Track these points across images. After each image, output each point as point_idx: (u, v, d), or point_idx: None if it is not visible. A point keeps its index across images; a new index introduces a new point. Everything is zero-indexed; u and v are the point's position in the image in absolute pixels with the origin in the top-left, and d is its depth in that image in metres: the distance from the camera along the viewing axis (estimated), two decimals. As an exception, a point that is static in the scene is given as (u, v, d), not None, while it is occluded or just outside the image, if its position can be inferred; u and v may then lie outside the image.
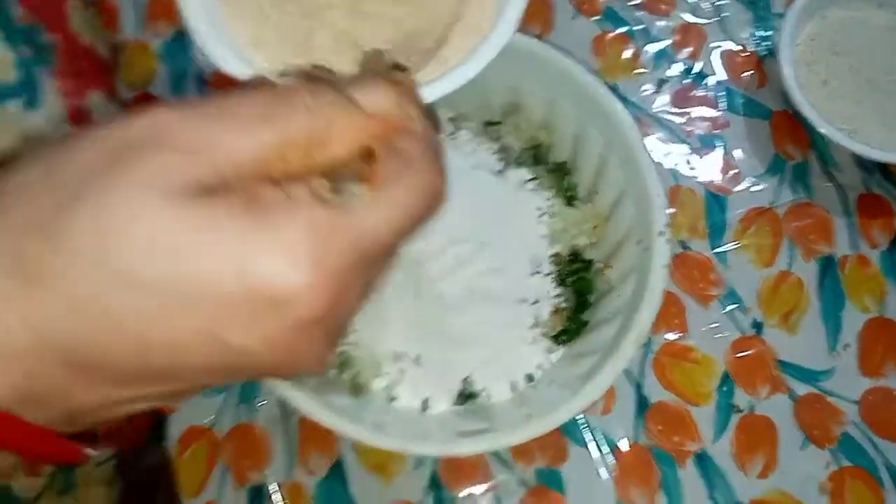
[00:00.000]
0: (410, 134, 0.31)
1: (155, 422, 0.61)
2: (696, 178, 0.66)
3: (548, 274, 0.60)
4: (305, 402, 0.51)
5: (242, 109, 0.28)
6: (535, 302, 0.59)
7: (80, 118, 0.51)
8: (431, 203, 0.31)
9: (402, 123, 0.31)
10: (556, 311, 0.59)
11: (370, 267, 0.29)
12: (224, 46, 0.37)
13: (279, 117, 0.28)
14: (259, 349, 0.27)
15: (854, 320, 0.62)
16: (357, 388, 0.56)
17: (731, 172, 0.66)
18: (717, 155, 0.67)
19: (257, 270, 0.26)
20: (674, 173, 0.66)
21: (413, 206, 0.30)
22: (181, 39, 0.71)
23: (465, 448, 0.51)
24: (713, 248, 0.64)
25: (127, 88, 0.69)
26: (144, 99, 0.69)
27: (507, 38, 0.37)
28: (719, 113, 0.68)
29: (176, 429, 0.60)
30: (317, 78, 0.31)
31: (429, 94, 0.36)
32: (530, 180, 0.62)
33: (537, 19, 0.71)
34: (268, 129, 0.27)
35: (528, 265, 0.60)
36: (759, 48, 0.70)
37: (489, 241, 0.58)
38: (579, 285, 0.60)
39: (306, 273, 0.26)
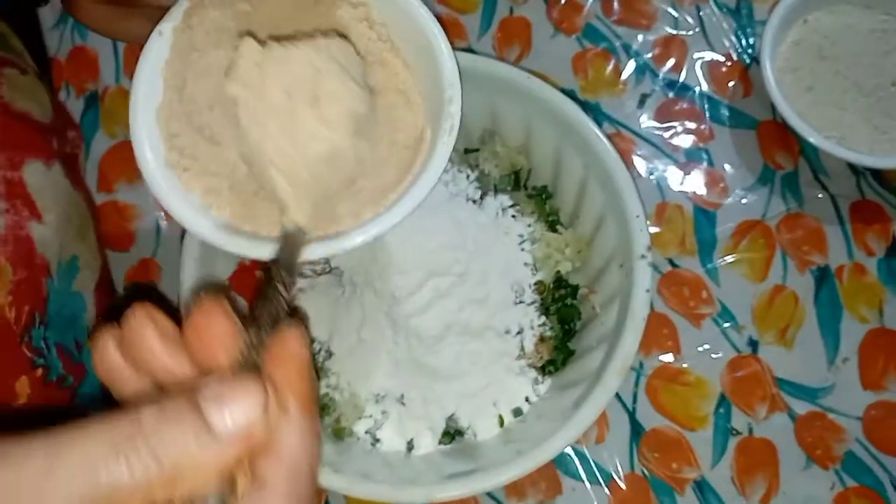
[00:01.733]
0: (274, 457, 0.28)
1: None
2: (683, 193, 0.65)
3: (531, 303, 0.59)
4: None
5: (82, 451, 0.25)
6: (520, 332, 0.58)
7: (10, 191, 0.51)
8: None
9: (266, 441, 0.28)
10: (542, 340, 0.58)
11: None
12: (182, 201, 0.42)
13: (119, 462, 0.25)
14: None
15: (853, 332, 0.60)
16: (339, 433, 0.56)
17: (719, 186, 0.65)
18: (704, 168, 0.65)
19: None
20: (660, 189, 0.65)
21: None
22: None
23: (453, 492, 0.50)
24: (703, 265, 0.63)
25: (107, 137, 0.69)
26: (124, 147, 0.69)
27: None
28: (704, 125, 0.67)
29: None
30: (173, 392, 0.28)
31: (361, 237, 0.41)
32: (510, 206, 0.61)
33: (516, 39, 0.70)
34: (104, 474, 0.25)
35: (511, 294, 0.58)
36: (742, 56, 0.68)
37: (469, 271, 0.57)
38: (564, 313, 0.58)
39: None
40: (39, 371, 0.50)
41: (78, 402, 0.54)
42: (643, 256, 0.53)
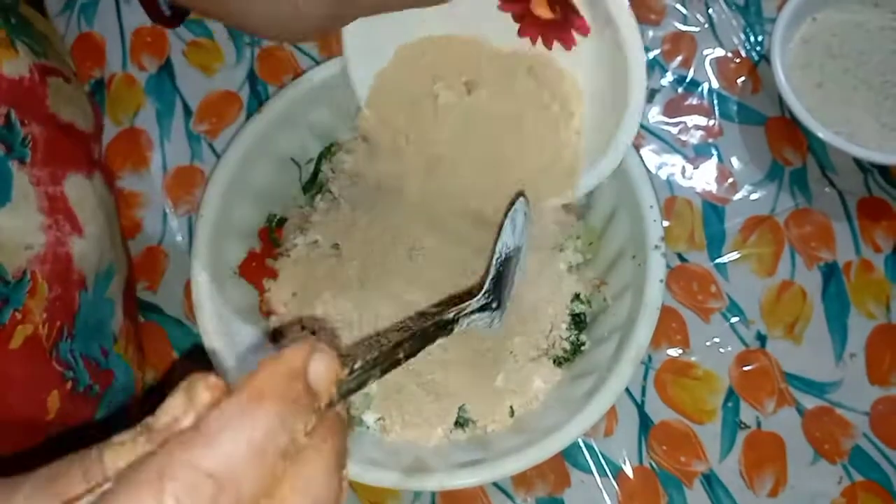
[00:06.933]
0: None
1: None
2: (692, 188, 0.65)
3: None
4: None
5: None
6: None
7: (53, 206, 0.50)
8: None
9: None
10: (552, 330, 0.58)
11: None
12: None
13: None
14: None
15: (860, 328, 0.60)
16: (349, 422, 0.55)
17: (728, 181, 0.65)
18: (713, 164, 0.66)
19: None
20: (669, 184, 0.65)
21: None
22: (167, 73, 0.70)
23: (463, 480, 0.50)
24: (712, 260, 0.63)
25: (113, 124, 0.69)
26: (130, 135, 0.68)
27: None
28: (713, 121, 0.67)
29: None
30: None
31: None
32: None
33: (525, 34, 0.70)
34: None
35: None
36: (751, 53, 0.68)
37: (479, 267, 0.57)
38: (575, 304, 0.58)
39: None
40: (69, 384, 0.50)
41: (103, 411, 0.53)
42: (657, 247, 0.53)
